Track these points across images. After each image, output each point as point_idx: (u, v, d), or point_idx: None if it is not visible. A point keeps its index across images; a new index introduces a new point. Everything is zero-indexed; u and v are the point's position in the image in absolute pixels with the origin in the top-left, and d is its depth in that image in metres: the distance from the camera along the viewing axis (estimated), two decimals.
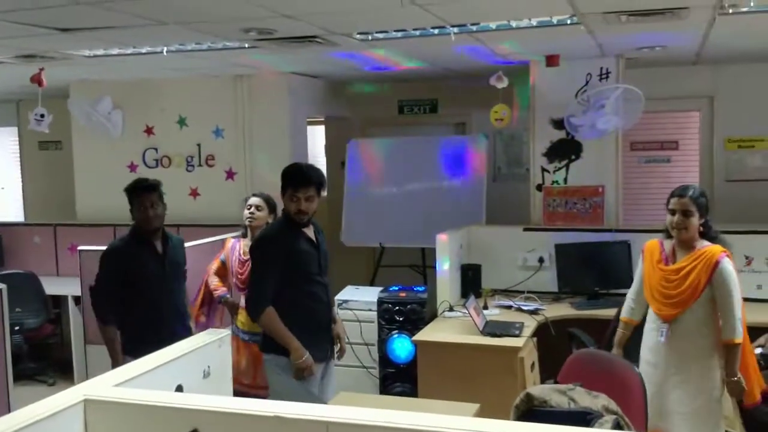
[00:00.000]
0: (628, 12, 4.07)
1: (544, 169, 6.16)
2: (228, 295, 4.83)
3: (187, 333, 3.77)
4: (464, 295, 5.32)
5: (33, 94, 5.55)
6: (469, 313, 4.54)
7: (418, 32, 4.63)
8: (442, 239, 5.27)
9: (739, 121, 6.69)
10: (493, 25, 4.47)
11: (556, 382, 2.89)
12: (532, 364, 4.47)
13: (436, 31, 4.56)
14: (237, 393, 2.78)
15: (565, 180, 6.10)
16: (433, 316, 5.11)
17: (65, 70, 5.87)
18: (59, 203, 8.04)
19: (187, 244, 4.69)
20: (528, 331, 4.58)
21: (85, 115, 6.93)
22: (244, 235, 4.85)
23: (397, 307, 5.21)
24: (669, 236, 3.72)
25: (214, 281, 4.86)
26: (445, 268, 5.26)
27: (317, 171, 3.84)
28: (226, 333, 2.46)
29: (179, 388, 2.18)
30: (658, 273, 3.69)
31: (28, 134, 8.61)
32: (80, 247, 5.23)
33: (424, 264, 6.71)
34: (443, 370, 4.39)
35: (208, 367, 2.34)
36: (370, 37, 4.76)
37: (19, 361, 5.70)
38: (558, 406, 2.17)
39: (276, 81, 6.72)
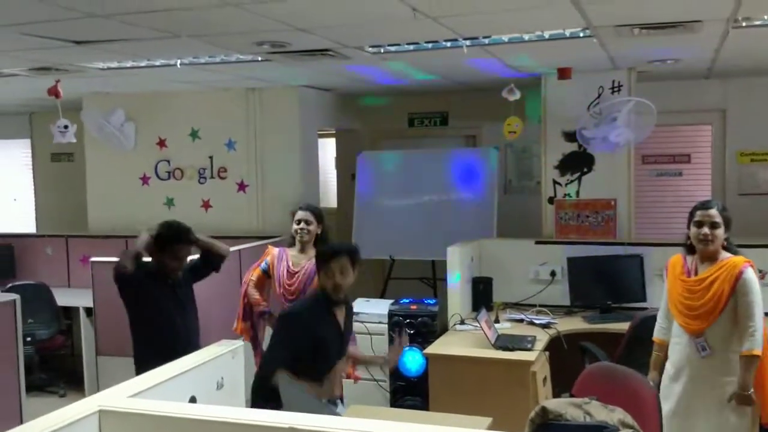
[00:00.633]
0: (640, 25, 4.07)
1: (555, 182, 6.15)
2: (271, 311, 4.62)
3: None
4: (475, 308, 5.30)
5: (46, 106, 5.60)
6: (480, 326, 4.52)
7: (430, 45, 4.64)
8: (453, 252, 5.25)
9: (751, 135, 6.67)
10: (505, 38, 4.47)
11: (571, 396, 2.87)
12: (545, 378, 4.44)
13: (448, 44, 4.57)
14: None
15: (577, 193, 6.09)
16: (444, 329, 5.09)
17: (79, 82, 5.91)
18: (71, 215, 8.09)
19: (198, 256, 4.70)
20: (540, 344, 4.55)
21: (97, 127, 6.97)
22: (291, 245, 4.63)
23: (408, 320, 5.19)
24: (690, 251, 3.69)
25: (255, 295, 4.61)
26: (456, 281, 5.25)
27: (348, 243, 3.77)
28: (239, 344, 2.46)
29: (193, 400, 2.18)
30: (680, 285, 3.66)
31: (40, 146, 8.69)
32: (92, 259, 5.25)
33: (434, 277, 6.69)
34: (455, 384, 4.36)
35: (222, 378, 2.34)
36: (382, 50, 4.78)
37: (30, 372, 5.70)
38: (573, 419, 2.15)
39: (287, 94, 6.75)
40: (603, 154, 5.95)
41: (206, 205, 7.03)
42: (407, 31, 4.17)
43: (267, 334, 4.79)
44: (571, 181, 6.11)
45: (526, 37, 4.44)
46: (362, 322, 5.40)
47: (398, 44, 4.64)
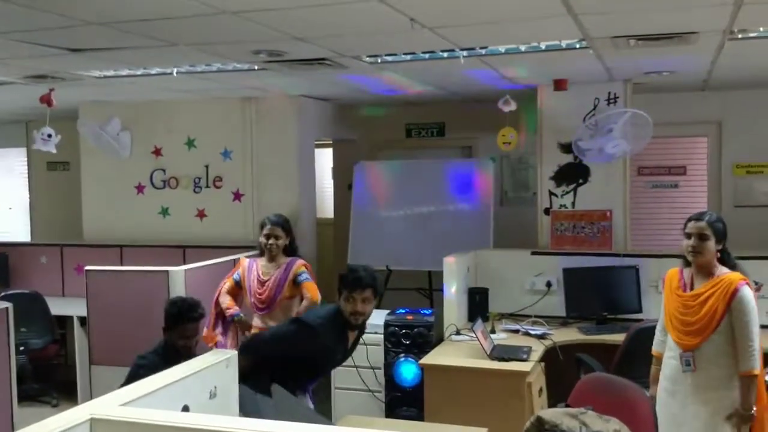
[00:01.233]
0: (636, 36, 4.08)
1: (551, 193, 6.16)
2: (241, 314, 4.74)
3: None
4: (471, 318, 5.28)
5: (42, 115, 5.57)
6: (476, 336, 4.51)
7: (427, 55, 4.64)
8: (450, 262, 5.24)
9: (747, 147, 6.69)
10: (502, 49, 4.48)
11: (567, 406, 2.85)
12: (540, 389, 4.42)
13: (445, 55, 4.58)
14: None
15: (573, 204, 6.09)
16: (440, 339, 5.07)
17: (75, 91, 5.91)
18: (67, 224, 8.06)
19: (194, 265, 4.70)
20: (536, 355, 4.54)
21: (93, 136, 6.96)
22: (261, 254, 4.75)
23: (403, 331, 5.17)
24: (688, 264, 3.67)
25: (226, 300, 4.71)
26: (452, 291, 5.23)
27: (374, 274, 3.70)
28: (233, 353, 2.44)
29: (185, 409, 2.15)
30: (676, 300, 3.64)
31: (36, 155, 8.66)
32: (87, 267, 5.21)
33: (431, 287, 6.68)
34: (450, 394, 4.34)
35: (215, 387, 2.31)
36: (379, 60, 4.78)
37: (22, 382, 5.67)
38: (569, 429, 2.13)
39: (284, 103, 6.75)
40: (599, 165, 5.96)
41: (201, 214, 7.02)
42: (404, 41, 4.18)
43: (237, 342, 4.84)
44: (567, 192, 6.12)
45: (523, 48, 4.46)
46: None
47: (395, 54, 4.65)
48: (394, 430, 3.41)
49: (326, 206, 8.72)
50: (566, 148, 6.03)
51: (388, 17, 3.50)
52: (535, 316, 5.48)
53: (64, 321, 6.43)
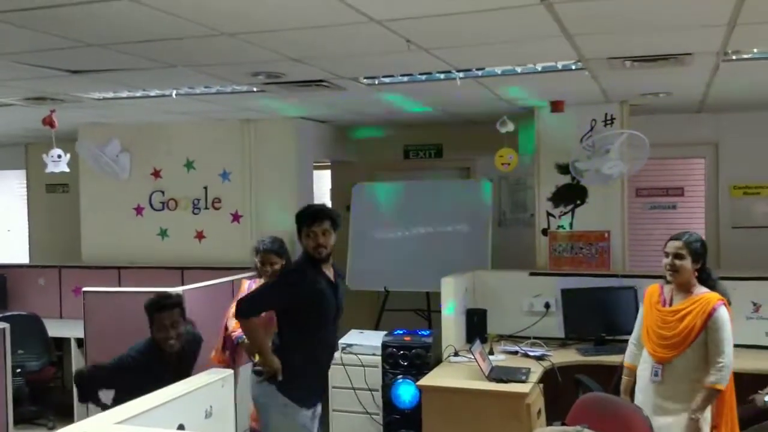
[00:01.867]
0: (632, 58, 4.11)
1: (549, 214, 6.16)
2: (244, 337, 4.75)
3: None
4: (469, 339, 5.27)
5: (41, 137, 5.61)
6: (474, 357, 4.49)
7: (424, 77, 4.67)
8: (448, 283, 5.24)
9: (744, 168, 6.71)
10: (498, 70, 4.52)
11: (563, 425, 2.85)
12: (539, 411, 4.40)
13: (442, 76, 4.61)
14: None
15: (571, 225, 6.10)
16: (438, 360, 5.05)
17: (74, 113, 5.93)
18: (65, 245, 8.06)
19: (192, 286, 4.70)
20: (534, 376, 4.53)
21: (93, 158, 6.98)
22: (260, 275, 4.79)
23: (401, 352, 5.15)
24: (669, 281, 3.81)
25: (232, 324, 4.71)
26: (451, 312, 5.22)
27: (330, 208, 3.96)
28: (228, 373, 2.44)
29: (181, 428, 2.15)
30: (655, 314, 3.79)
31: (35, 177, 8.68)
32: (85, 289, 5.21)
33: (429, 308, 6.67)
34: (449, 416, 4.32)
35: (210, 407, 2.31)
36: (376, 81, 4.81)
37: (19, 404, 5.63)
38: None
39: (283, 125, 6.78)
40: (596, 186, 5.97)
41: (200, 235, 7.02)
42: (401, 62, 4.21)
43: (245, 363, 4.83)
44: (565, 213, 6.13)
45: (519, 69, 4.49)
46: (356, 354, 5.37)
47: (392, 75, 4.68)
48: None
49: None
50: (564, 169, 6.05)
51: (385, 39, 3.53)
52: (534, 338, 5.47)
53: (62, 343, 6.42)
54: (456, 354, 5.04)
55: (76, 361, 5.87)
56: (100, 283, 6.13)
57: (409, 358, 5.13)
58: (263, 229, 6.74)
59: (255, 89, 5.03)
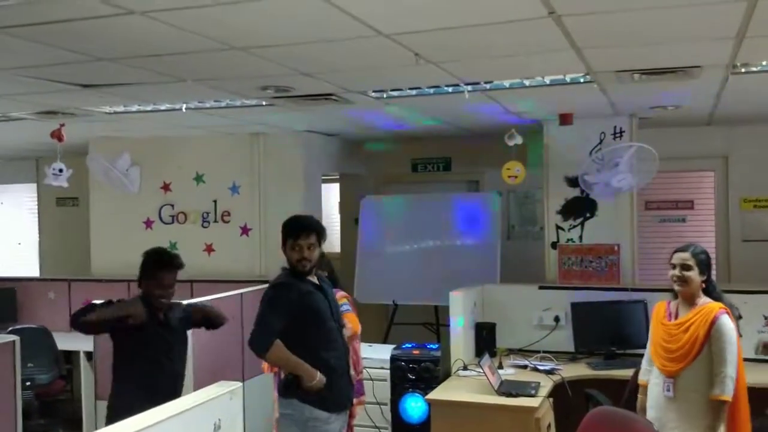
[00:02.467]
0: (640, 71, 4.11)
1: (558, 227, 6.15)
2: None
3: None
4: (478, 353, 5.25)
5: (52, 151, 5.64)
6: (483, 372, 4.47)
7: (432, 90, 4.69)
8: (456, 297, 5.23)
9: (754, 181, 6.68)
10: (506, 83, 4.52)
11: None
12: (549, 425, 4.37)
13: (450, 89, 4.62)
14: None
15: (581, 238, 6.08)
16: (447, 374, 5.03)
17: (85, 126, 5.97)
18: (75, 259, 8.08)
19: (202, 299, 4.70)
20: (544, 391, 4.49)
21: (103, 172, 7.01)
22: None
23: (410, 365, 5.14)
24: (675, 296, 3.81)
25: None
26: (459, 326, 5.21)
27: (316, 220, 3.93)
28: (237, 385, 2.43)
29: None
30: (662, 329, 3.77)
31: (46, 191, 8.73)
32: (94, 302, 5.20)
33: (437, 322, 6.65)
34: (458, 431, 4.30)
35: (219, 420, 2.30)
36: (385, 95, 4.83)
37: (28, 418, 5.64)
38: None
39: (292, 139, 6.80)
40: (606, 199, 5.95)
41: (209, 249, 7.03)
42: (410, 76, 4.22)
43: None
44: (574, 226, 6.11)
45: (527, 82, 4.49)
46: (365, 367, 5.35)
47: (401, 89, 4.69)
48: None
49: (333, 240, 8.72)
50: (573, 182, 6.04)
51: (393, 52, 3.54)
52: (543, 352, 5.43)
53: (71, 356, 6.43)
54: (465, 368, 5.02)
55: (85, 375, 5.88)
56: (110, 296, 6.08)
57: (417, 372, 5.11)
58: (272, 243, 6.75)
59: (264, 103, 5.05)
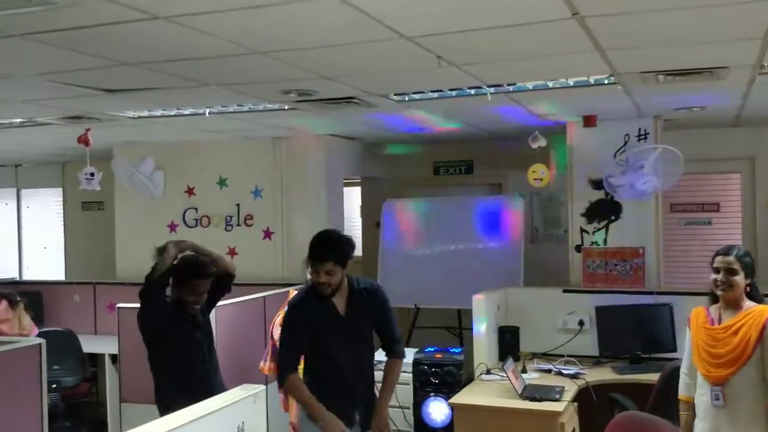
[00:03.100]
0: (665, 72, 4.07)
1: (583, 230, 6.10)
2: None
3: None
4: (502, 357, 5.21)
5: (78, 155, 5.71)
6: (507, 375, 4.44)
7: (454, 93, 4.67)
8: (479, 300, 5.20)
9: None
10: (529, 85, 4.50)
11: None
12: (573, 430, 4.33)
13: (472, 92, 4.60)
14: None
15: (605, 241, 6.02)
16: (470, 378, 5.00)
17: (109, 132, 6.03)
18: (100, 262, 8.17)
19: (223, 302, 4.71)
20: (568, 395, 4.46)
21: (127, 176, 7.07)
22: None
23: (433, 369, 5.12)
24: (714, 300, 3.62)
25: (278, 332, 4.59)
26: (482, 329, 5.18)
27: (336, 241, 3.71)
28: (261, 388, 2.43)
29: None
30: (704, 333, 3.56)
31: (71, 195, 8.83)
32: (119, 305, 5.26)
33: (460, 326, 6.62)
34: None
35: (243, 423, 2.30)
36: (406, 98, 4.82)
37: (54, 420, 5.69)
38: None
39: (314, 142, 6.82)
40: (631, 202, 5.90)
41: (232, 252, 7.06)
42: (432, 78, 4.21)
43: None
44: (599, 229, 6.06)
45: (551, 84, 4.46)
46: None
47: (422, 92, 4.68)
48: None
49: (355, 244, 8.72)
50: (597, 184, 5.98)
51: (415, 55, 3.53)
52: (568, 356, 5.39)
53: (96, 359, 6.48)
54: (488, 372, 4.99)
55: (111, 377, 5.92)
56: (134, 299, 6.14)
57: (440, 376, 5.09)
58: (294, 246, 6.77)
59: (286, 107, 5.07)
